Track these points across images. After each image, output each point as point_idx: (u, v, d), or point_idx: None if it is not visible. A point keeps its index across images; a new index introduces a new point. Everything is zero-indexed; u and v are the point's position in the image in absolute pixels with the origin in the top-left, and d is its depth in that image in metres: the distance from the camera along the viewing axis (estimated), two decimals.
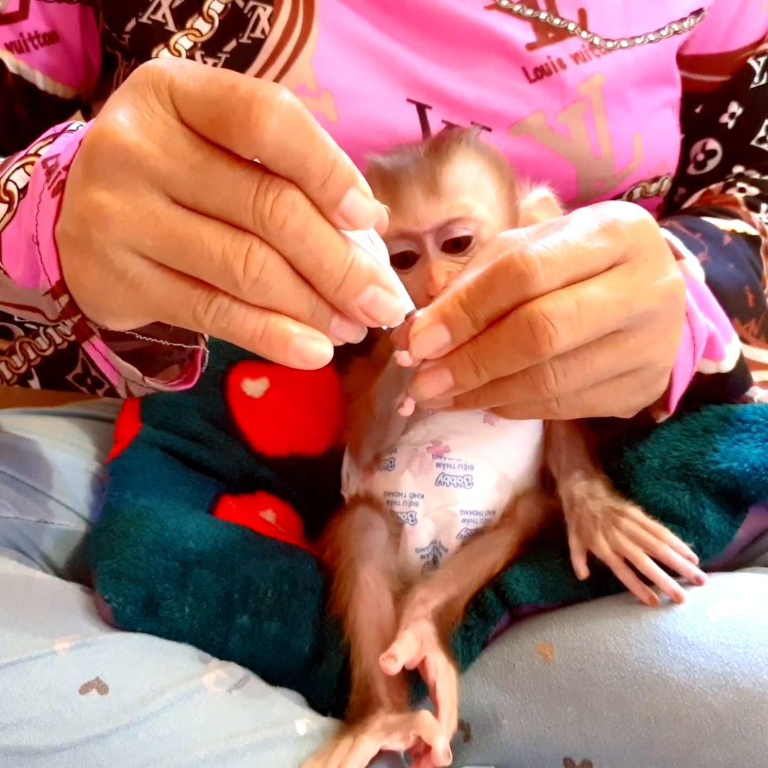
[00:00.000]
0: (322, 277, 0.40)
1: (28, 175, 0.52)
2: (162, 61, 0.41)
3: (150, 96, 0.40)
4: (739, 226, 0.71)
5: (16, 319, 0.63)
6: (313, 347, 0.40)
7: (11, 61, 0.70)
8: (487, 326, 0.45)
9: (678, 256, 0.56)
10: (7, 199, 0.53)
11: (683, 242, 0.60)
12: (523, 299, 0.44)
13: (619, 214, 0.47)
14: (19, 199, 0.52)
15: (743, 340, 0.62)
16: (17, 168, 0.53)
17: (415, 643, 0.54)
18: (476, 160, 0.56)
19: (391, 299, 0.42)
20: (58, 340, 0.71)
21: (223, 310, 0.40)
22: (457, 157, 0.56)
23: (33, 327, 0.72)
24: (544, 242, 0.44)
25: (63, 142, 0.50)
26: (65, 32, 0.71)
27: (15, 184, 0.53)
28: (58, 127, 0.53)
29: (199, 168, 0.39)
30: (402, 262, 0.55)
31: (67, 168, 0.45)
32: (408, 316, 0.44)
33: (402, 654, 0.53)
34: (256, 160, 0.39)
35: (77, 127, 0.52)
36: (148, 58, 0.67)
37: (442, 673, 0.54)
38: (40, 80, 0.72)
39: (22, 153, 0.54)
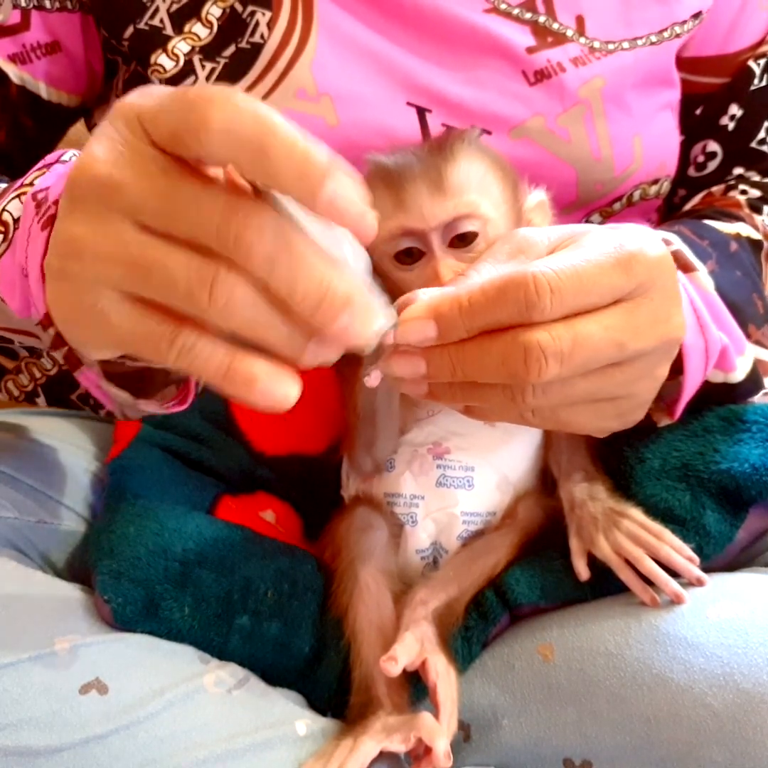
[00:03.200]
0: (295, 302, 0.38)
1: (22, 203, 0.52)
2: (133, 94, 0.41)
3: (122, 127, 0.40)
4: (743, 229, 0.71)
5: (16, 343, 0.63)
6: (276, 390, 0.39)
7: (15, 73, 0.70)
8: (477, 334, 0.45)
9: (690, 268, 0.56)
10: (2, 229, 0.53)
11: (692, 250, 0.60)
12: (523, 322, 0.44)
13: (638, 248, 0.46)
14: (14, 229, 0.52)
15: (760, 344, 0.62)
16: (13, 198, 0.54)
17: (416, 645, 0.54)
18: (480, 158, 0.56)
19: (368, 324, 0.39)
20: (62, 360, 0.71)
21: (187, 348, 0.39)
22: (462, 155, 0.55)
23: (37, 348, 0.72)
24: (557, 268, 0.44)
25: (54, 173, 0.51)
26: (67, 41, 0.71)
27: (10, 213, 0.54)
28: (52, 157, 0.54)
29: (167, 193, 0.38)
30: (406, 257, 0.55)
31: (56, 202, 0.46)
32: (386, 334, 0.42)
33: (402, 656, 0.53)
34: (219, 168, 0.38)
35: (70, 158, 0.53)
36: (148, 63, 0.67)
37: (442, 674, 0.54)
38: (43, 90, 0.72)
39: (18, 182, 0.55)
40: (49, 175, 0.51)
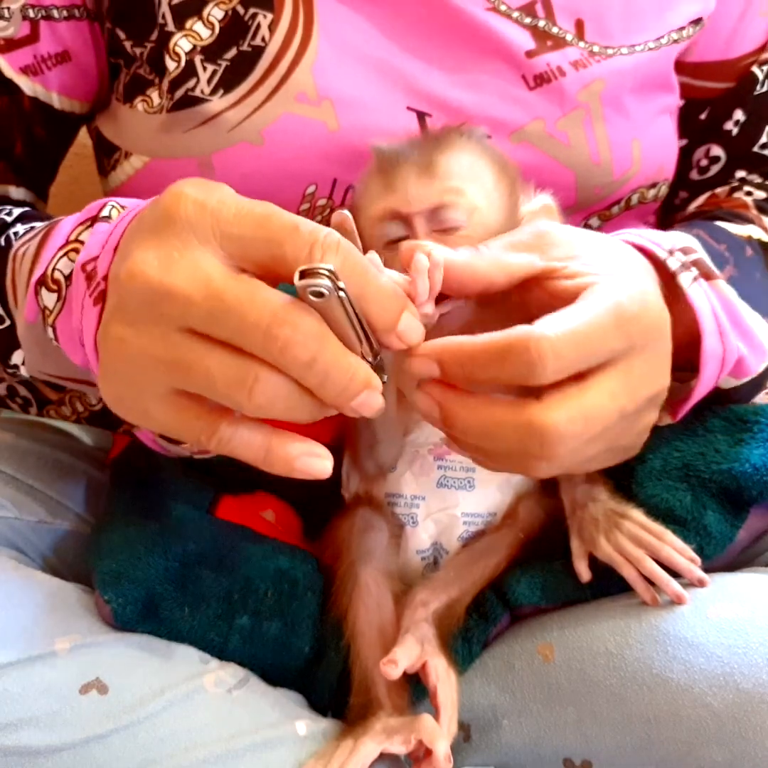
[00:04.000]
0: (324, 390, 0.42)
1: (72, 261, 0.54)
2: (191, 188, 0.44)
3: (186, 234, 0.42)
4: (755, 232, 0.71)
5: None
6: (314, 466, 0.44)
7: (28, 85, 0.70)
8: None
9: (712, 276, 0.56)
10: (55, 288, 0.55)
11: (710, 255, 0.60)
12: (522, 384, 0.45)
13: (638, 309, 0.48)
14: (67, 286, 0.54)
15: None
16: (61, 256, 0.55)
17: (416, 648, 0.54)
18: (475, 149, 0.57)
19: (378, 398, 0.44)
20: None
21: (225, 439, 0.43)
22: (456, 144, 0.56)
23: None
24: (559, 333, 0.45)
25: (98, 241, 0.52)
26: (76, 49, 0.71)
27: (61, 272, 0.55)
28: (94, 208, 0.56)
29: (216, 303, 0.41)
30: (394, 244, 0.55)
31: (105, 278, 0.49)
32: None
33: (403, 659, 0.53)
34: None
35: (110, 212, 0.54)
36: (163, 63, 0.67)
37: (442, 677, 0.54)
38: (56, 100, 0.72)
39: (62, 234, 0.56)
40: (93, 242, 0.52)
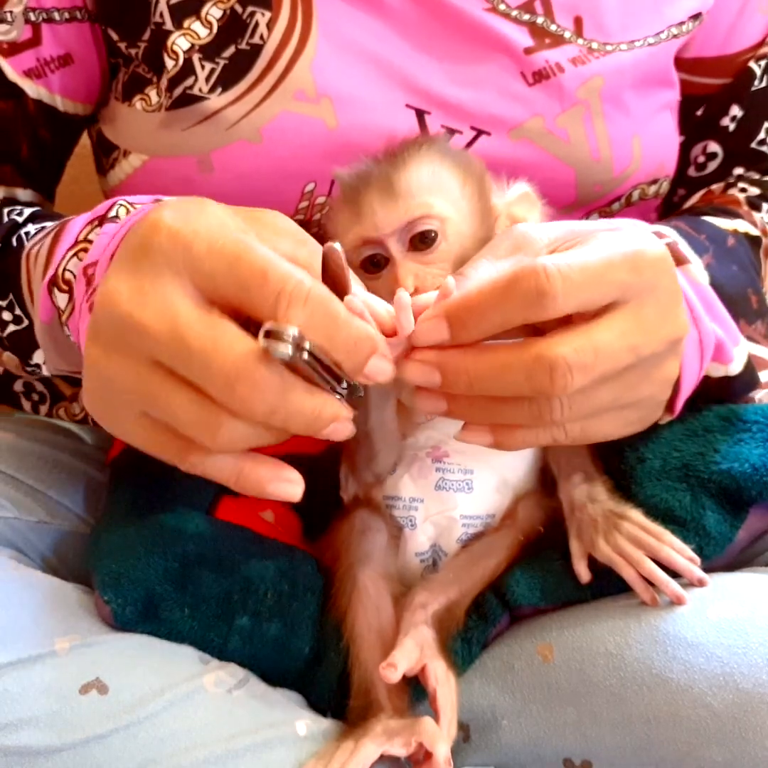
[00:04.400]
0: (289, 428, 0.44)
1: (81, 261, 0.55)
2: (169, 214, 0.44)
3: (158, 263, 0.43)
4: (741, 225, 0.71)
5: None
6: (284, 489, 0.46)
7: (32, 88, 0.70)
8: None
9: (684, 261, 0.56)
10: (66, 288, 0.56)
11: (689, 243, 0.60)
12: (535, 318, 0.45)
13: (641, 247, 0.47)
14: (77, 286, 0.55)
15: (752, 339, 0.62)
16: (71, 257, 0.56)
17: (415, 651, 0.54)
18: (433, 159, 0.56)
19: (348, 426, 0.46)
20: None
21: (197, 464, 0.45)
22: (412, 159, 0.55)
23: None
24: (566, 259, 0.45)
25: (101, 244, 0.53)
26: (78, 51, 0.71)
27: (71, 272, 0.56)
28: (103, 208, 0.56)
29: (182, 343, 0.42)
30: (372, 267, 0.55)
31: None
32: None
33: (402, 662, 0.53)
34: None
35: (117, 212, 0.55)
36: (160, 62, 0.67)
37: (442, 680, 0.54)
38: (59, 102, 0.72)
39: (71, 236, 0.57)
40: (98, 243, 0.53)
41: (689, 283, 0.56)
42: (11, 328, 0.64)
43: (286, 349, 0.41)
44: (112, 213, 0.55)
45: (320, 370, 0.43)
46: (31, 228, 0.64)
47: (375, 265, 0.55)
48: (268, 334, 0.41)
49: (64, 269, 0.56)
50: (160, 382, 0.43)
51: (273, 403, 0.42)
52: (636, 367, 0.48)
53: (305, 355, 0.41)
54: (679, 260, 0.56)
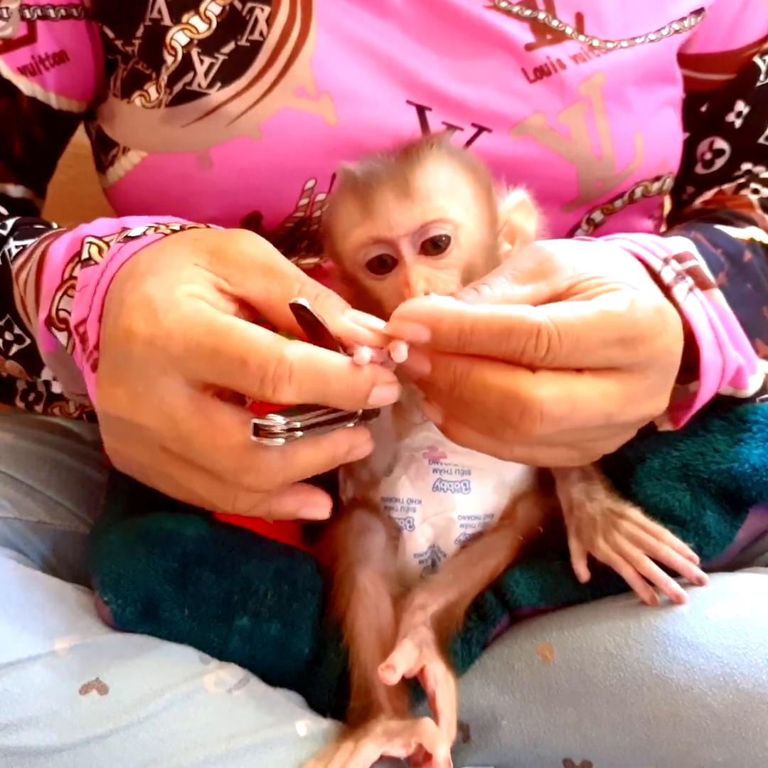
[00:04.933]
0: (308, 476, 0.47)
1: (70, 297, 0.56)
2: (135, 323, 0.46)
3: (151, 369, 0.45)
4: (757, 234, 0.70)
5: None
6: (313, 513, 0.49)
7: (26, 85, 0.70)
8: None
9: (708, 286, 0.56)
10: (63, 326, 0.57)
11: (706, 260, 0.60)
12: (516, 362, 0.46)
13: (648, 329, 0.47)
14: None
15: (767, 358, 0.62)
16: (61, 296, 0.57)
17: (414, 652, 0.54)
18: (449, 162, 0.55)
19: (364, 449, 0.49)
20: None
21: (228, 511, 0.49)
22: (428, 160, 0.54)
23: None
24: (562, 327, 0.45)
25: (85, 302, 0.53)
26: (74, 49, 0.70)
27: (65, 311, 0.57)
28: (76, 242, 0.58)
29: (184, 437, 0.45)
30: (379, 267, 0.54)
31: (96, 347, 0.51)
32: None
33: (401, 663, 0.52)
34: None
35: (88, 250, 0.56)
36: (159, 58, 0.66)
37: (441, 681, 0.54)
38: (54, 100, 0.72)
39: (55, 276, 0.58)
40: (81, 300, 0.54)
41: (714, 308, 0.56)
42: (15, 347, 0.65)
43: (278, 441, 0.43)
44: (84, 255, 0.56)
45: (323, 424, 0.45)
46: (12, 245, 0.64)
47: (382, 266, 0.54)
48: (257, 431, 0.43)
49: (58, 309, 0.57)
50: (175, 466, 0.47)
51: (282, 476, 0.45)
52: (602, 428, 0.49)
53: (299, 433, 0.44)
54: (704, 285, 0.56)
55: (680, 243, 0.57)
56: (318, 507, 0.49)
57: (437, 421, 0.51)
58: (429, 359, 0.47)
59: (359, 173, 0.55)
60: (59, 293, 0.57)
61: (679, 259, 0.55)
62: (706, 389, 0.54)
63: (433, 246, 0.53)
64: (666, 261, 0.55)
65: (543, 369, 0.46)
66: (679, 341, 0.50)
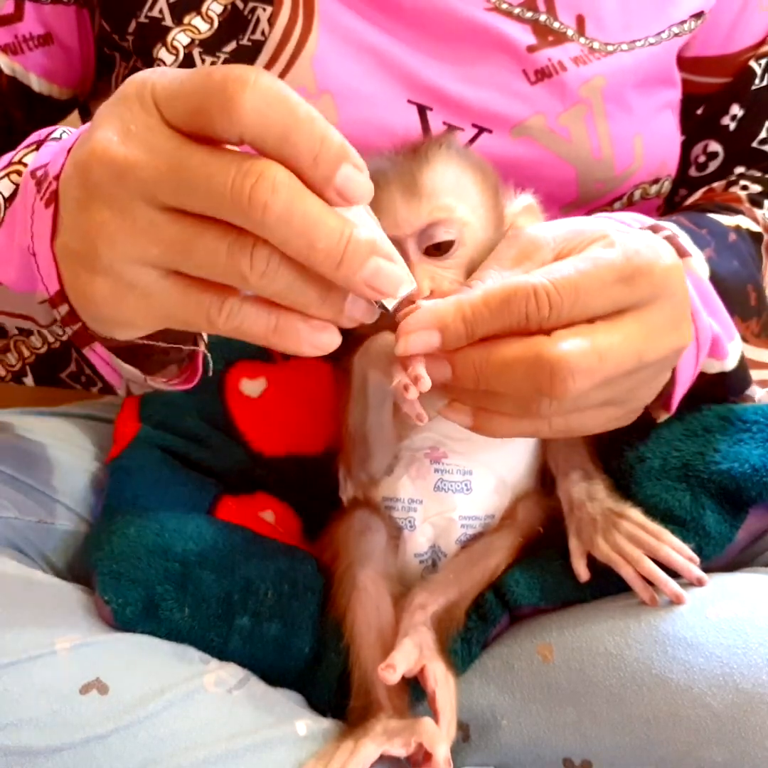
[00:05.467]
0: (319, 258, 0.39)
1: (14, 184, 0.52)
2: (145, 71, 0.42)
3: (134, 105, 0.41)
4: (743, 222, 0.71)
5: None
6: (321, 338, 0.42)
7: (6, 64, 0.70)
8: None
9: (684, 254, 0.56)
10: None
11: (690, 237, 0.60)
12: (526, 331, 0.45)
13: (644, 262, 0.47)
14: (6, 208, 0.53)
15: (743, 338, 0.62)
16: (2, 177, 0.53)
17: (414, 652, 0.54)
18: (457, 162, 0.55)
19: (393, 268, 0.41)
20: (51, 339, 0.71)
21: (235, 311, 0.41)
22: (437, 159, 0.54)
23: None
24: (557, 282, 0.44)
25: (49, 151, 0.50)
26: (61, 34, 0.71)
27: (1, 193, 0.53)
28: (42, 133, 0.54)
29: (179, 167, 0.39)
30: None
31: (57, 177, 0.46)
32: (410, 296, 0.43)
33: (401, 663, 0.52)
34: (245, 144, 0.39)
35: (60, 135, 0.52)
36: (150, 57, 0.67)
37: (441, 681, 0.54)
38: (34, 82, 0.71)
39: (5, 160, 0.54)
40: (43, 154, 0.51)
41: (688, 275, 0.56)
42: None
43: None
44: (55, 135, 0.53)
45: None
46: None
47: None
48: None
49: None
50: (182, 225, 0.40)
51: (286, 202, 0.38)
52: (637, 372, 0.48)
53: None
54: (679, 253, 0.56)
55: (658, 221, 0.58)
56: (328, 332, 0.42)
57: (466, 423, 0.49)
58: (448, 362, 0.47)
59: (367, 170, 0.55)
60: (2, 172, 0.54)
61: (654, 229, 0.55)
62: (685, 360, 0.54)
63: (439, 246, 0.53)
64: (642, 229, 0.55)
65: (557, 330, 0.45)
66: (679, 268, 0.49)
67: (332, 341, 0.42)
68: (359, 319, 0.43)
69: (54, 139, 0.52)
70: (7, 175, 0.53)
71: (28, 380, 0.73)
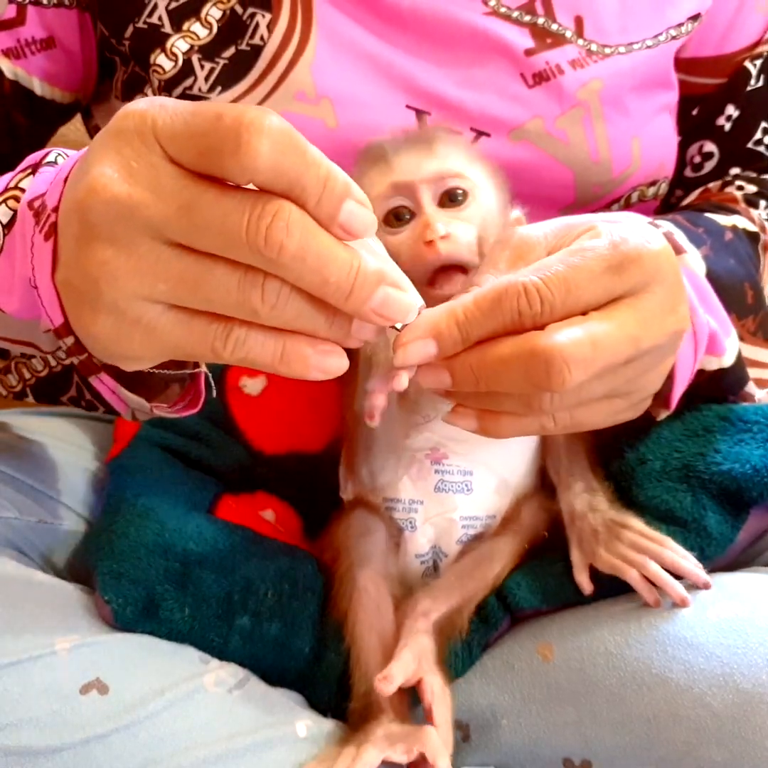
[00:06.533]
0: (330, 291, 0.40)
1: (11, 210, 0.52)
2: (141, 102, 0.41)
3: (134, 140, 0.40)
4: (740, 221, 0.71)
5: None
6: (329, 362, 0.42)
7: (9, 68, 0.70)
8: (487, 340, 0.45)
9: (680, 250, 0.56)
10: None
11: (686, 235, 0.60)
12: (521, 329, 0.44)
13: (632, 248, 0.46)
14: (4, 235, 0.52)
15: (739, 337, 0.62)
16: None
17: (413, 664, 0.54)
18: (466, 145, 0.57)
19: (402, 296, 0.42)
20: (53, 362, 0.71)
21: (240, 341, 0.41)
22: (450, 137, 0.56)
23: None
24: (545, 278, 0.44)
25: (44, 179, 0.50)
26: (63, 38, 0.71)
27: None
28: (37, 156, 0.53)
29: (189, 207, 0.39)
30: (395, 219, 0.54)
31: (55, 209, 0.45)
32: (420, 311, 0.44)
33: (398, 675, 0.52)
34: (251, 185, 0.39)
35: (55, 158, 0.52)
36: (147, 63, 0.67)
37: (438, 695, 0.54)
38: (37, 86, 0.72)
39: (1, 184, 0.54)
40: (39, 182, 0.50)
41: (684, 272, 0.56)
42: None
43: None
44: (49, 159, 0.52)
45: None
46: None
47: (398, 219, 0.54)
48: None
49: None
50: (190, 262, 0.40)
51: (300, 240, 0.38)
52: (636, 360, 0.47)
53: None
54: (675, 249, 0.56)
55: (649, 219, 0.58)
56: (335, 355, 0.42)
57: (472, 427, 0.49)
58: (446, 370, 0.46)
59: (383, 141, 0.56)
60: None
61: (651, 225, 0.55)
62: (681, 355, 0.54)
63: (452, 198, 0.54)
64: None
65: (550, 324, 0.45)
66: (669, 252, 0.49)
67: (340, 365, 0.42)
68: (365, 339, 0.43)
69: (49, 163, 0.52)
70: (5, 201, 0.53)
71: (29, 401, 0.74)
